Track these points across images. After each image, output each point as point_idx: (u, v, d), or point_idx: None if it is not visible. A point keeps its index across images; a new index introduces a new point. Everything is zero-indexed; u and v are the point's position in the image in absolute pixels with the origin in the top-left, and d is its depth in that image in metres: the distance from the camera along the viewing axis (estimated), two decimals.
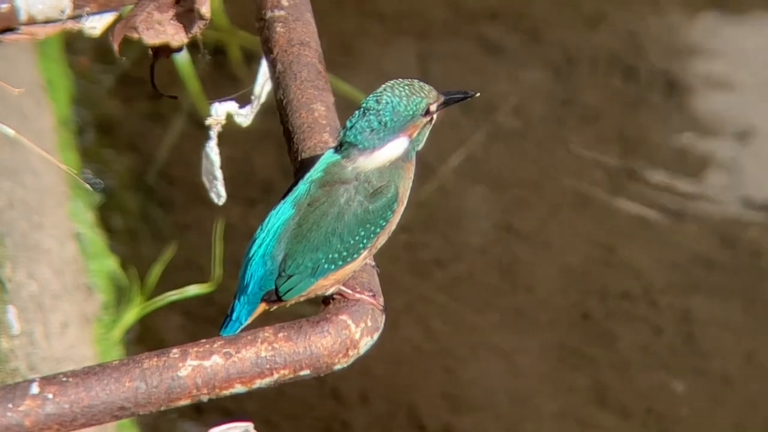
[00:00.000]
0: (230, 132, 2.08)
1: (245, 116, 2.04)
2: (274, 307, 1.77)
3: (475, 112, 3.74)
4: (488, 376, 3.29)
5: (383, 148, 1.72)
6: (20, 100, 3.24)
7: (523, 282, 3.44)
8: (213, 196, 2.06)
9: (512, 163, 3.66)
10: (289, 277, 1.73)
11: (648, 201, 3.61)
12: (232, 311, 1.77)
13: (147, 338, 3.29)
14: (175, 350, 1.69)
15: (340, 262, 1.72)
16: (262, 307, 1.76)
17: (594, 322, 3.39)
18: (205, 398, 1.69)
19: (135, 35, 1.98)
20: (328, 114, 1.91)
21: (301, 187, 1.74)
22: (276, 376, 1.69)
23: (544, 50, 3.87)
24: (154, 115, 3.72)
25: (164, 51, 2.01)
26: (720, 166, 3.69)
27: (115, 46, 1.98)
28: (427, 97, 1.73)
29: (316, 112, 1.90)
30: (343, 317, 1.71)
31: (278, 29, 1.99)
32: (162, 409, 1.69)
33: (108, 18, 2.01)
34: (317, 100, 1.92)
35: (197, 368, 1.68)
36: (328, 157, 1.74)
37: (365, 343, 1.72)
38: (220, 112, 2.01)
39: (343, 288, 1.74)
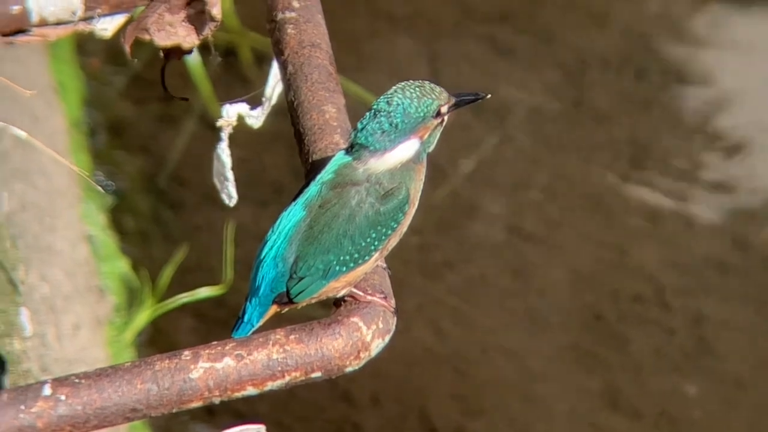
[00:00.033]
0: (241, 133, 2.07)
1: (256, 118, 2.04)
2: (286, 309, 1.77)
3: (487, 114, 3.73)
4: (500, 378, 3.29)
5: (394, 149, 1.72)
6: (32, 102, 3.24)
7: (534, 284, 3.44)
8: (224, 197, 2.06)
9: (523, 165, 3.66)
10: (301, 279, 1.73)
11: (660, 203, 3.60)
12: (244, 313, 1.77)
13: (159, 340, 3.29)
14: (186, 352, 1.69)
15: (352, 264, 1.72)
16: (273, 309, 1.76)
17: (606, 324, 3.38)
18: (216, 400, 1.69)
19: (146, 37, 1.98)
20: (339, 116, 1.91)
21: (312, 188, 1.74)
22: (287, 378, 1.69)
23: (555, 52, 3.86)
24: (165, 117, 3.73)
25: (175, 53, 2.01)
26: (732, 167, 3.68)
27: (127, 48, 1.98)
28: (438, 98, 1.73)
29: (327, 114, 1.90)
30: (355, 319, 1.71)
31: (289, 31, 1.99)
32: (174, 411, 1.69)
33: (119, 19, 2.02)
34: (328, 102, 1.91)
35: (209, 370, 1.68)
36: (339, 158, 1.74)
37: (377, 345, 1.71)
38: (231, 113, 2.01)
39: (355, 290, 1.74)
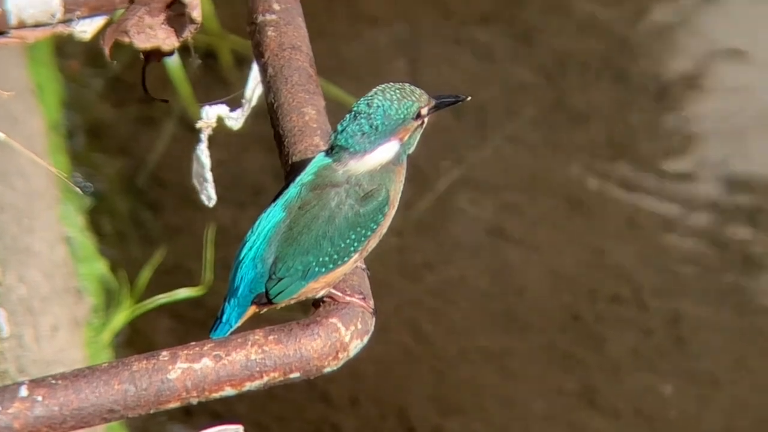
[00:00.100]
0: (221, 135, 2.08)
1: (236, 119, 2.04)
2: (264, 310, 1.77)
3: (467, 116, 3.74)
4: (478, 379, 3.30)
5: (374, 151, 1.72)
6: (10, 103, 3.23)
7: (513, 285, 3.45)
8: (203, 198, 2.07)
9: (503, 167, 3.67)
10: (280, 279, 1.73)
11: (638, 203, 3.62)
12: (222, 314, 1.77)
13: (136, 341, 3.28)
14: (164, 353, 1.69)
15: (331, 265, 1.72)
16: (252, 309, 1.76)
17: (584, 324, 3.39)
18: (194, 401, 1.69)
19: (126, 39, 1.98)
20: (319, 118, 1.91)
21: (292, 190, 1.74)
22: (266, 378, 1.69)
23: (535, 54, 3.88)
24: (144, 119, 3.72)
25: (155, 55, 2.01)
26: (710, 169, 3.70)
27: (106, 50, 1.98)
28: (418, 100, 1.74)
29: (307, 116, 1.90)
30: (333, 320, 1.71)
31: (269, 33, 1.99)
32: (151, 411, 1.69)
33: (98, 22, 2.01)
34: (308, 104, 1.92)
35: (187, 371, 1.68)
36: (319, 160, 1.75)
37: (355, 346, 1.72)
38: (210, 115, 2.01)
39: (334, 291, 1.75)
